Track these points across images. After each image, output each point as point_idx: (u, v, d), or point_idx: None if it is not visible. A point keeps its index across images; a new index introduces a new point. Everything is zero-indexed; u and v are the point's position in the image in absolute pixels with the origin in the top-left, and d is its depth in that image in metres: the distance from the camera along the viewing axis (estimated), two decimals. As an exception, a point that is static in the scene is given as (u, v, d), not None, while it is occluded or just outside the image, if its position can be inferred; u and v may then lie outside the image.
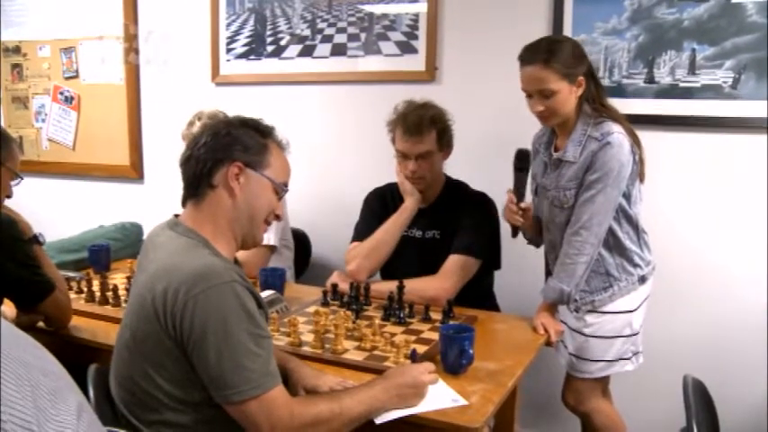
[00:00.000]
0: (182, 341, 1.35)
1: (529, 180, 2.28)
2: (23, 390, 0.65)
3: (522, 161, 2.19)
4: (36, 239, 2.00)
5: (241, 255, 2.56)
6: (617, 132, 2.01)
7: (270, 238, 2.67)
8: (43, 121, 3.96)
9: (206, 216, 1.49)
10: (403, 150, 2.37)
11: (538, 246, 2.38)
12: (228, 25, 3.36)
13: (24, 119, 4.01)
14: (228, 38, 3.37)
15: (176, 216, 1.56)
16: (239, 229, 1.53)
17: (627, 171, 2.02)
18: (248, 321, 1.36)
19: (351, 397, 1.46)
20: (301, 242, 3.11)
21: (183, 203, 1.54)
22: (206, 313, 1.33)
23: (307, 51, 3.20)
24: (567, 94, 2.02)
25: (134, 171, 3.72)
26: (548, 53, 2.00)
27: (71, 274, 2.48)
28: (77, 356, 1.89)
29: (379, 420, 1.51)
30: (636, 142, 2.06)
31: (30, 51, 3.92)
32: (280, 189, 1.57)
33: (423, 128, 2.32)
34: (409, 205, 2.42)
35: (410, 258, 2.42)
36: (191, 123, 2.66)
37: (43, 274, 1.92)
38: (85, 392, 1.53)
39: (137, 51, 3.61)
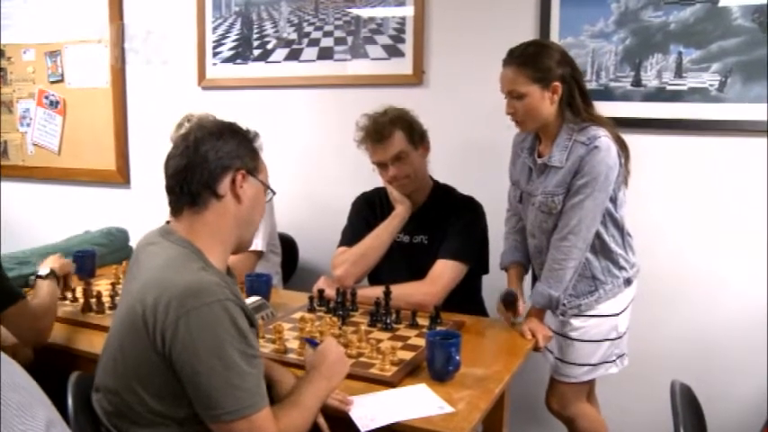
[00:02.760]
0: (170, 357, 1.33)
1: (511, 181, 2.27)
2: None
3: (508, 302, 2.15)
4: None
5: (228, 260, 2.56)
6: (603, 136, 2.01)
7: (257, 243, 2.64)
8: (28, 125, 3.92)
9: (207, 225, 1.47)
10: (377, 159, 2.37)
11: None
12: (215, 29, 3.35)
13: (9, 123, 3.97)
14: (215, 41, 3.35)
15: (168, 223, 1.53)
16: (239, 235, 1.53)
17: (614, 175, 2.02)
18: (240, 340, 1.34)
19: (305, 395, 1.49)
20: (288, 246, 3.10)
21: (177, 212, 1.49)
22: (198, 331, 1.31)
23: (293, 55, 3.18)
24: (539, 99, 2.03)
25: (120, 176, 3.69)
26: (522, 56, 2.04)
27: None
28: (58, 363, 1.87)
29: (364, 429, 1.50)
30: (621, 146, 2.06)
31: (14, 55, 3.89)
32: (270, 192, 1.59)
33: (385, 131, 2.32)
34: (400, 212, 2.41)
35: (397, 263, 2.41)
36: (180, 126, 2.63)
37: (6, 281, 1.84)
38: (64, 401, 1.51)
39: (123, 53, 3.59)
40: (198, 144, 1.45)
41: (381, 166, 2.38)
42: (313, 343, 1.67)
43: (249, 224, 1.55)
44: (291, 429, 1.41)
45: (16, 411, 0.68)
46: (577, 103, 2.06)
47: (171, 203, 1.50)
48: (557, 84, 2.02)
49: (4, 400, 0.67)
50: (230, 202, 1.47)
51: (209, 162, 1.44)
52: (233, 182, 1.47)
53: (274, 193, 1.61)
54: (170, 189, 1.49)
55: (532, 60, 2.03)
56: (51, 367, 1.71)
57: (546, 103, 2.04)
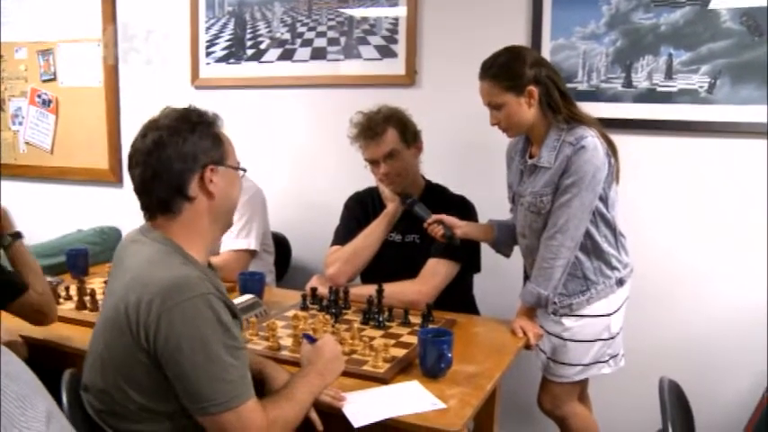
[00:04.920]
0: (155, 354, 1.34)
1: (505, 182, 2.29)
2: None
3: (408, 202, 2.37)
4: (18, 235, 1.94)
5: (220, 258, 2.57)
6: (591, 136, 2.02)
7: (250, 242, 2.66)
8: (20, 124, 3.91)
9: (183, 225, 1.47)
10: (368, 156, 2.39)
11: (508, 255, 2.40)
12: (208, 29, 3.35)
13: (1, 121, 3.96)
14: (208, 41, 3.36)
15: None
16: (220, 225, 1.54)
17: (602, 174, 2.03)
18: (224, 334, 1.35)
19: (298, 390, 1.51)
20: (281, 245, 3.10)
21: (152, 217, 1.48)
22: (181, 326, 1.32)
23: (286, 55, 3.19)
24: (516, 106, 2.07)
25: (113, 175, 3.69)
26: (493, 68, 2.09)
27: (48, 278, 2.45)
28: (52, 361, 1.87)
29: (357, 424, 1.51)
30: (609, 146, 2.08)
31: (6, 53, 3.87)
32: (241, 170, 1.57)
33: (378, 128, 2.34)
34: (391, 210, 2.43)
35: (390, 262, 2.42)
36: None
37: (10, 274, 1.87)
38: (58, 398, 1.51)
39: (116, 53, 3.59)
40: (158, 148, 1.42)
41: (373, 163, 2.40)
42: (311, 339, 1.68)
43: (227, 211, 1.55)
44: (281, 421, 1.42)
45: (16, 402, 0.69)
46: (556, 102, 2.07)
47: (143, 208, 1.50)
48: (531, 88, 2.05)
49: (3, 390, 0.68)
50: (202, 200, 1.47)
51: (174, 167, 1.42)
52: (201, 179, 1.45)
53: (245, 170, 1.58)
54: (139, 194, 1.48)
55: (503, 70, 2.06)
56: (46, 365, 1.71)
57: (524, 108, 2.07)
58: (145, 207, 1.49)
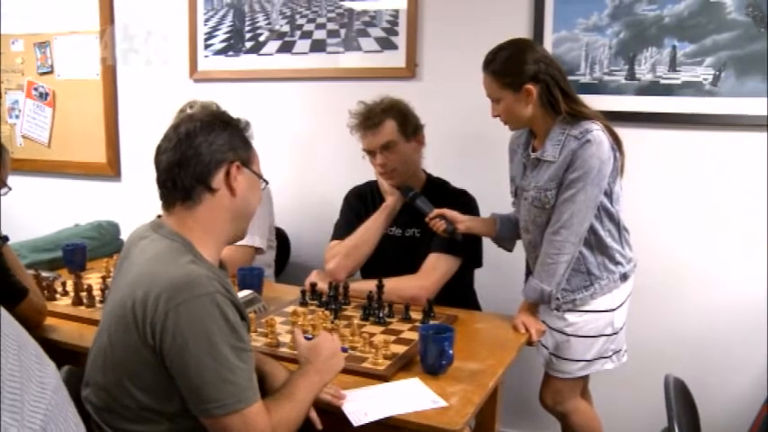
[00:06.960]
0: (161, 352, 1.32)
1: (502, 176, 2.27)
2: (10, 346, 0.63)
3: (410, 195, 2.34)
4: (4, 239, 1.93)
5: (225, 254, 2.53)
6: (596, 130, 1.99)
7: (255, 239, 2.62)
8: (17, 117, 3.88)
9: (199, 220, 1.45)
10: (366, 147, 2.37)
11: (510, 250, 2.37)
12: (206, 21, 3.32)
13: (-2, 115, 3.94)
14: (207, 34, 3.33)
15: (159, 217, 1.51)
16: (234, 227, 1.52)
17: (607, 169, 2.01)
18: (230, 334, 1.33)
19: (299, 389, 1.48)
20: (280, 240, 3.08)
21: (169, 206, 1.47)
22: (187, 325, 1.30)
23: (286, 47, 3.16)
24: (513, 102, 2.05)
25: (111, 168, 3.66)
26: (490, 62, 2.08)
27: (45, 273, 2.43)
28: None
29: (357, 423, 1.49)
30: (615, 139, 2.05)
31: (2, 45, 3.84)
32: (263, 182, 1.57)
33: (376, 119, 2.32)
34: (390, 203, 2.41)
35: (390, 257, 2.40)
36: (182, 112, 2.57)
37: (15, 277, 1.87)
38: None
39: (114, 53, 3.56)
40: (190, 137, 1.43)
41: (370, 153, 2.37)
42: (306, 339, 1.65)
43: (245, 216, 1.53)
44: (284, 423, 1.40)
45: (36, 360, 0.68)
46: (557, 101, 2.03)
47: (162, 197, 1.48)
48: (529, 87, 2.02)
49: (25, 346, 0.66)
50: (224, 195, 1.46)
51: (203, 156, 1.43)
52: (227, 174, 1.45)
53: (267, 182, 1.60)
54: (162, 183, 1.47)
55: (502, 67, 2.04)
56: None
57: (521, 105, 2.05)
58: (165, 196, 1.47)
